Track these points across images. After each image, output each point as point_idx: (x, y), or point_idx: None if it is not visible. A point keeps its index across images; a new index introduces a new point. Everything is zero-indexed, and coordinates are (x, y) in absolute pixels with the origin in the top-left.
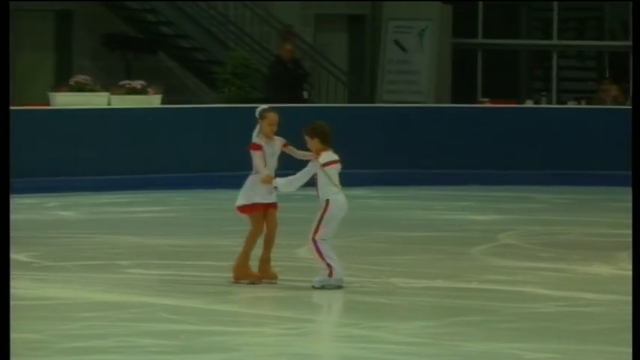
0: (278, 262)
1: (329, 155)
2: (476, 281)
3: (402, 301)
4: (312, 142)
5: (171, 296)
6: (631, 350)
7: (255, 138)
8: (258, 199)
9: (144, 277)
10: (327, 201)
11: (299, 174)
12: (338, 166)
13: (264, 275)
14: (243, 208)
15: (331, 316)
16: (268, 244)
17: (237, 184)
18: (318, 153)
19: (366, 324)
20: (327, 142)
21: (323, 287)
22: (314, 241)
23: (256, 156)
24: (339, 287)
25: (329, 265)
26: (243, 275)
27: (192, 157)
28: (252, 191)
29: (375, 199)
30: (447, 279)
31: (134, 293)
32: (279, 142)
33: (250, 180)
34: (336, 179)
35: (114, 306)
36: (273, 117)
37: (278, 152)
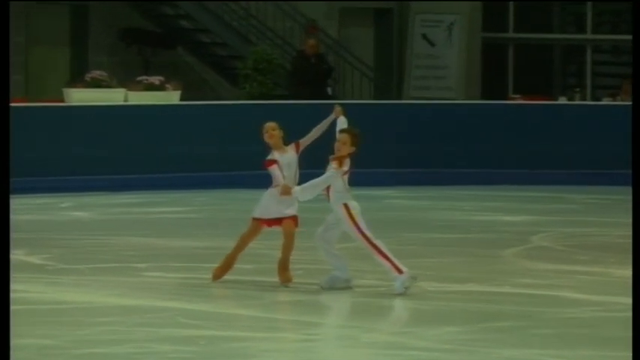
0: (298, 265)
1: (348, 162)
2: (508, 285)
3: (431, 305)
4: (349, 148)
5: (190, 300)
6: None
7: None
8: (271, 214)
9: (161, 280)
10: (345, 205)
11: (318, 180)
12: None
13: (279, 277)
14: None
15: (355, 321)
16: (284, 249)
17: (258, 183)
18: (342, 159)
19: (392, 330)
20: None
21: (406, 289)
22: (374, 246)
23: (274, 170)
24: (349, 287)
25: (392, 263)
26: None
27: (213, 155)
28: (266, 203)
29: (402, 199)
30: (478, 283)
31: (151, 297)
32: (290, 149)
33: (268, 192)
34: (347, 184)
35: (131, 310)
36: (265, 126)
37: (294, 160)
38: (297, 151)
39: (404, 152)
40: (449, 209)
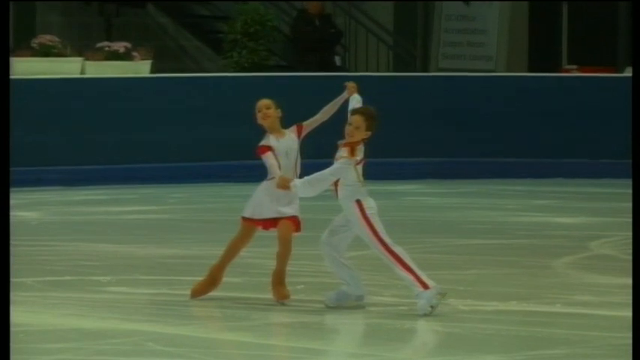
0: (299, 279)
1: (362, 150)
2: (560, 303)
3: (465, 329)
4: (363, 133)
5: (164, 322)
6: None
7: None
8: (265, 214)
9: (129, 297)
10: (359, 202)
11: (326, 172)
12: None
13: (274, 293)
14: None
15: (368, 348)
16: (279, 259)
17: (250, 176)
18: (355, 146)
19: (418, 358)
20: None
21: (432, 308)
22: (393, 254)
23: (267, 158)
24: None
25: (416, 276)
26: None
27: (192, 141)
28: (259, 200)
29: (428, 196)
30: (522, 300)
31: (116, 318)
32: (290, 133)
33: (262, 186)
34: (361, 177)
35: (91, 335)
36: (258, 105)
37: (295, 147)
38: (298, 136)
39: (430, 138)
40: (486, 208)
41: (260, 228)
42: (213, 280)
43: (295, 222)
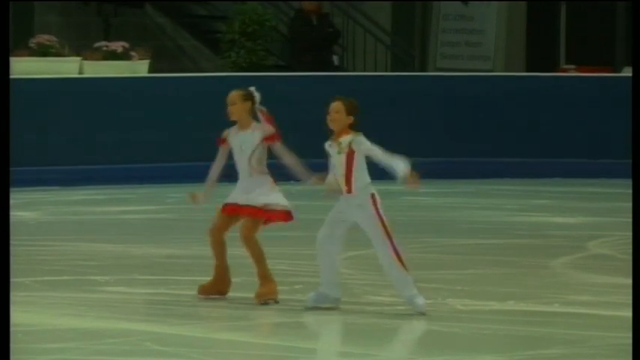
0: (297, 279)
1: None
2: (558, 303)
3: (463, 328)
4: (346, 120)
5: (163, 322)
6: None
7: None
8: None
9: (127, 297)
10: (373, 195)
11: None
12: None
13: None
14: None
15: (369, 347)
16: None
17: None
18: (343, 134)
19: (416, 358)
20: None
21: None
22: (397, 252)
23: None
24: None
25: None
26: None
27: (190, 140)
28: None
29: (426, 195)
30: (520, 300)
31: (115, 318)
32: (257, 130)
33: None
34: None
35: (89, 335)
36: (228, 98)
37: (254, 142)
38: (267, 140)
39: (427, 138)
40: (484, 208)
41: (226, 213)
42: (217, 280)
43: (260, 213)
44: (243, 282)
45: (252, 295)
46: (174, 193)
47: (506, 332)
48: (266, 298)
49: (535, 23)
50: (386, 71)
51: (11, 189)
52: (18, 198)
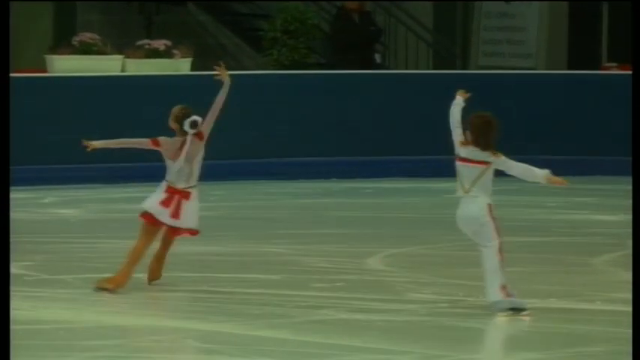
0: (339, 276)
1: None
2: (600, 301)
3: (504, 326)
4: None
5: (204, 319)
6: None
7: None
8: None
9: (168, 294)
10: (490, 206)
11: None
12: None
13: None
14: None
15: (409, 345)
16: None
17: (287, 172)
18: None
19: (457, 355)
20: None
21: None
22: (502, 256)
23: None
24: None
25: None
26: None
27: (231, 138)
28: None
29: None
30: (561, 298)
31: (156, 315)
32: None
33: None
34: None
35: (130, 332)
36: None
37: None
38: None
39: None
40: (525, 206)
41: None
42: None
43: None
44: (284, 279)
45: (291, 292)
46: (217, 191)
47: (548, 330)
48: (103, 285)
49: (577, 21)
50: (428, 69)
51: (55, 186)
52: (61, 196)
